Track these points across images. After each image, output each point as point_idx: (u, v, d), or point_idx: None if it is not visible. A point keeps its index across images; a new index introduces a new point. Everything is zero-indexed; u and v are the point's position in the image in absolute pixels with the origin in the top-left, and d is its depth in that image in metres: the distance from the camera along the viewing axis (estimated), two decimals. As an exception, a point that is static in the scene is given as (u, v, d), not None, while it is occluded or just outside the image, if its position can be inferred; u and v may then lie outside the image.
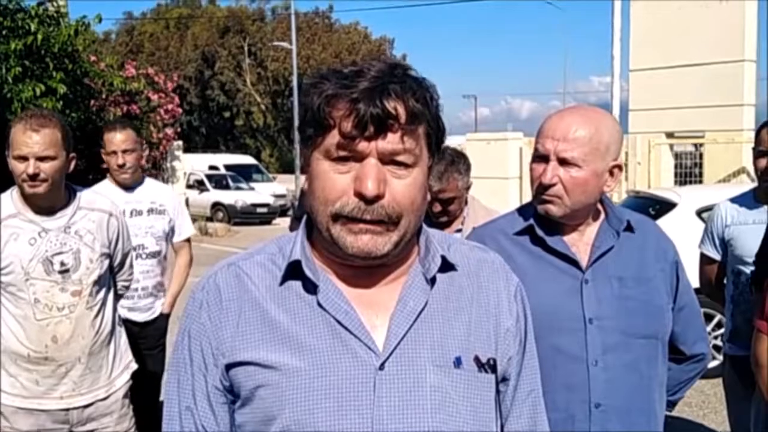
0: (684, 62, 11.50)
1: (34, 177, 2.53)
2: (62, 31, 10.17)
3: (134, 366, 2.94)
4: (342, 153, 1.11)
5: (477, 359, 1.19)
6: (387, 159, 1.11)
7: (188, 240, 4.09)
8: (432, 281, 1.21)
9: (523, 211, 1.91)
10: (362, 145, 1.09)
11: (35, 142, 2.53)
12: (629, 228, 1.85)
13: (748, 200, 3.17)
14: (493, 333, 1.23)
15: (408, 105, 1.10)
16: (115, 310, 2.88)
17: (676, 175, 12.16)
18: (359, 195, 1.10)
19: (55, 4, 10.37)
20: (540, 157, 1.78)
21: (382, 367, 1.13)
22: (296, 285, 1.19)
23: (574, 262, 1.79)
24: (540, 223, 1.83)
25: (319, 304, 1.17)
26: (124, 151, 3.67)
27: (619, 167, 1.81)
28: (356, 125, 1.08)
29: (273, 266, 1.22)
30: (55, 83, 9.74)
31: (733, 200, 3.25)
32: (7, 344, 2.63)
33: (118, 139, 3.67)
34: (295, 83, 30.20)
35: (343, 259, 1.16)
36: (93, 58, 12.20)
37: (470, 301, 1.23)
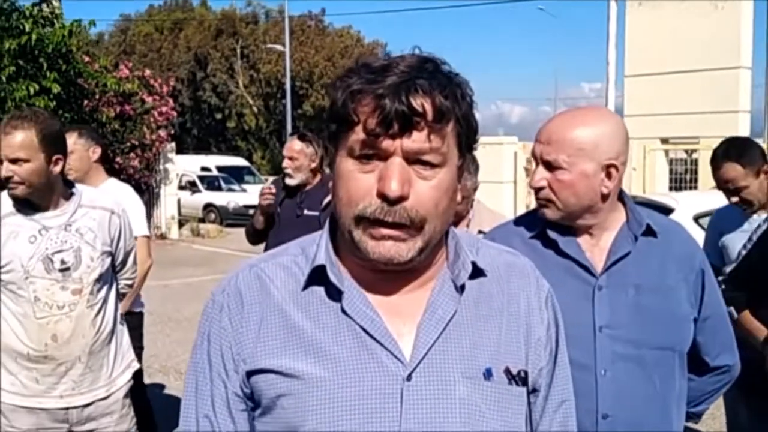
0: (680, 68, 11.53)
1: (7, 179, 2.50)
2: (56, 31, 10.16)
3: (136, 365, 2.91)
4: (366, 151, 1.06)
5: (508, 371, 1.14)
6: (413, 158, 1.05)
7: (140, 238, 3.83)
8: (462, 288, 1.16)
9: (537, 213, 1.86)
10: (386, 143, 1.04)
11: (6, 145, 2.50)
12: (651, 233, 1.78)
13: (739, 208, 3.21)
14: (524, 343, 1.18)
15: (435, 102, 1.05)
16: (116, 309, 2.84)
17: (670, 181, 12.19)
18: (382, 195, 1.05)
19: (50, 5, 10.35)
20: (535, 161, 1.78)
21: (409, 377, 1.09)
22: (320, 290, 1.15)
23: (586, 268, 1.74)
24: (553, 226, 1.79)
25: (344, 311, 1.12)
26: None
27: (615, 167, 1.72)
28: (380, 122, 1.03)
29: (296, 269, 1.17)
30: (49, 83, 9.71)
31: (725, 209, 3.31)
32: (7, 342, 2.60)
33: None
34: (288, 86, 30.23)
35: (367, 263, 1.11)
36: (87, 58, 12.16)
37: (500, 309, 1.18)
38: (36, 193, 2.57)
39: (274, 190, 4.17)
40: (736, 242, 3.06)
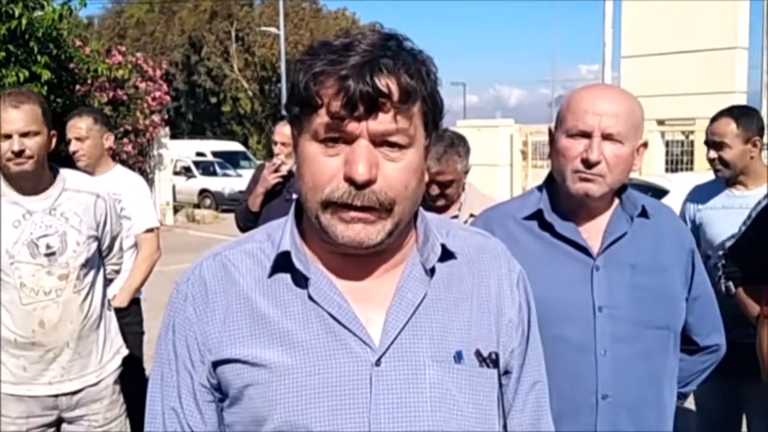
0: (676, 49, 11.49)
1: (19, 154, 2.47)
2: (47, 15, 10.07)
3: (125, 351, 2.89)
4: (331, 134, 1.02)
5: (478, 353, 1.12)
6: (379, 140, 1.02)
7: (151, 230, 3.84)
8: (431, 271, 1.14)
9: (533, 194, 1.84)
10: (352, 126, 1.01)
11: (17, 119, 2.47)
12: (644, 214, 1.77)
13: (718, 185, 3.26)
14: (495, 325, 1.16)
15: (401, 82, 1.01)
16: (104, 294, 2.82)
17: (666, 162, 12.17)
18: (349, 180, 1.02)
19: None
20: (579, 134, 1.68)
21: (378, 362, 1.07)
22: (286, 277, 1.12)
23: (583, 249, 1.72)
24: (550, 207, 1.76)
25: (311, 298, 1.10)
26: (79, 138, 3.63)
27: (645, 144, 1.75)
28: (345, 105, 0.99)
29: (262, 256, 1.15)
30: (40, 68, 9.64)
31: (704, 186, 3.35)
32: (-7, 330, 2.56)
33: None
34: (283, 69, 30.07)
35: (335, 248, 1.09)
36: (78, 43, 12.06)
37: (471, 291, 1.16)
38: (39, 169, 2.56)
39: (283, 172, 4.07)
40: (713, 220, 3.14)
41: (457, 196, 3.05)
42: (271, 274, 1.13)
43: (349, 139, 1.02)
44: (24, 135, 2.48)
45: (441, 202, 2.99)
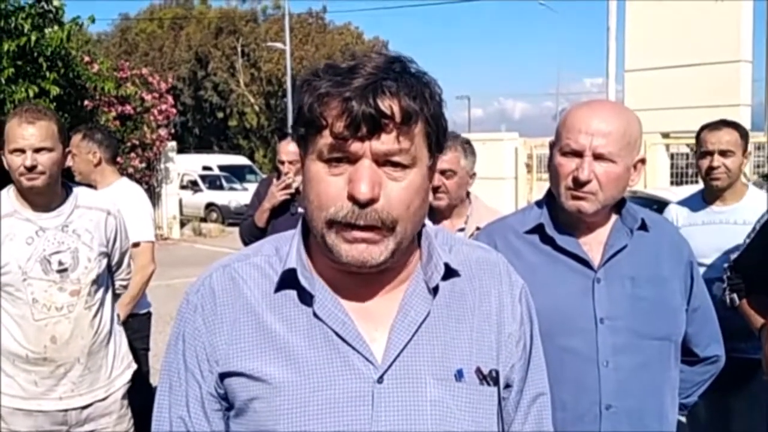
0: (680, 63, 11.52)
1: (31, 169, 2.50)
2: (56, 33, 10.14)
3: (134, 366, 2.90)
4: (335, 154, 1.05)
5: (479, 371, 1.15)
6: (382, 160, 1.05)
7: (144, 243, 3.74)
8: (435, 290, 1.16)
9: (534, 208, 1.87)
10: (355, 146, 1.04)
11: (31, 134, 2.50)
12: (644, 227, 1.80)
13: (697, 201, 3.28)
14: (495, 341, 1.18)
15: (402, 103, 1.04)
16: (113, 310, 2.84)
17: (671, 175, 12.17)
18: (352, 198, 1.04)
19: (50, 3, 10.32)
20: (571, 153, 1.72)
21: (380, 380, 1.09)
22: (292, 293, 1.15)
23: (584, 262, 1.75)
24: (551, 221, 1.79)
25: (315, 315, 1.12)
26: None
27: (642, 161, 1.77)
28: (348, 125, 1.03)
29: (270, 270, 1.17)
30: (49, 84, 9.71)
31: (683, 202, 3.37)
32: (5, 345, 2.59)
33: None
34: (288, 84, 30.19)
35: (340, 266, 1.11)
36: (87, 59, 12.15)
37: (472, 308, 1.19)
38: (52, 185, 2.59)
39: (292, 189, 4.12)
40: (694, 235, 3.13)
41: (460, 199, 3.03)
42: (277, 290, 1.15)
43: (353, 159, 1.05)
44: (37, 151, 2.51)
45: (442, 197, 2.96)
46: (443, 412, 1.10)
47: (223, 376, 1.14)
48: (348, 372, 1.10)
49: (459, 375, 1.13)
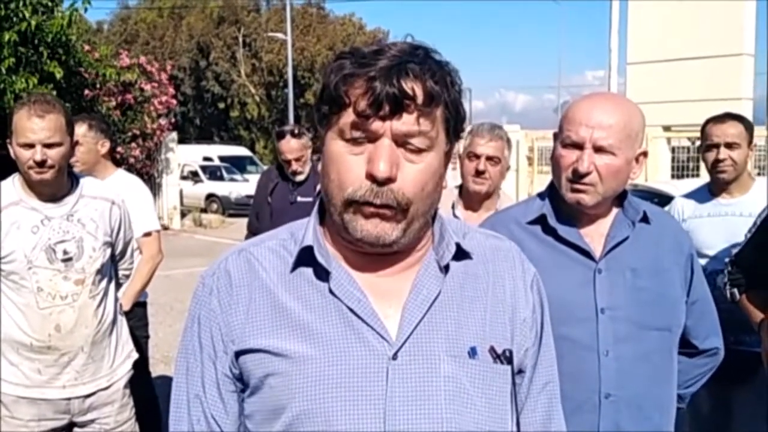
0: (682, 56, 11.49)
1: (41, 164, 2.50)
2: (55, 20, 10.12)
3: (135, 355, 2.92)
4: (356, 133, 1.08)
5: (492, 350, 1.16)
6: (401, 141, 1.08)
7: (151, 233, 3.80)
8: (446, 269, 1.18)
9: (537, 199, 1.89)
10: (376, 125, 1.06)
11: (41, 129, 2.50)
12: (645, 219, 1.82)
13: (703, 194, 3.30)
14: (509, 323, 1.20)
15: (426, 86, 1.07)
16: (116, 299, 2.86)
17: (672, 169, 12.16)
18: (371, 177, 1.07)
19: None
20: (572, 145, 1.74)
21: (395, 356, 1.11)
22: (308, 272, 1.17)
23: (586, 253, 1.77)
24: (553, 212, 1.81)
25: (331, 291, 1.14)
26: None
27: (644, 154, 1.79)
28: (371, 104, 1.05)
29: (284, 252, 1.20)
30: (52, 68, 9.68)
31: (689, 195, 3.39)
32: (9, 333, 2.61)
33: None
34: (290, 74, 30.12)
35: (355, 246, 1.14)
36: (87, 47, 12.13)
37: (486, 290, 1.20)
38: (60, 177, 2.60)
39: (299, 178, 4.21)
40: (700, 227, 3.17)
41: (496, 189, 3.05)
42: (293, 269, 1.17)
43: (373, 138, 1.07)
44: (47, 146, 2.50)
45: (484, 182, 2.97)
46: (457, 388, 1.12)
47: (238, 355, 1.15)
48: (363, 348, 1.11)
49: (473, 352, 1.14)
